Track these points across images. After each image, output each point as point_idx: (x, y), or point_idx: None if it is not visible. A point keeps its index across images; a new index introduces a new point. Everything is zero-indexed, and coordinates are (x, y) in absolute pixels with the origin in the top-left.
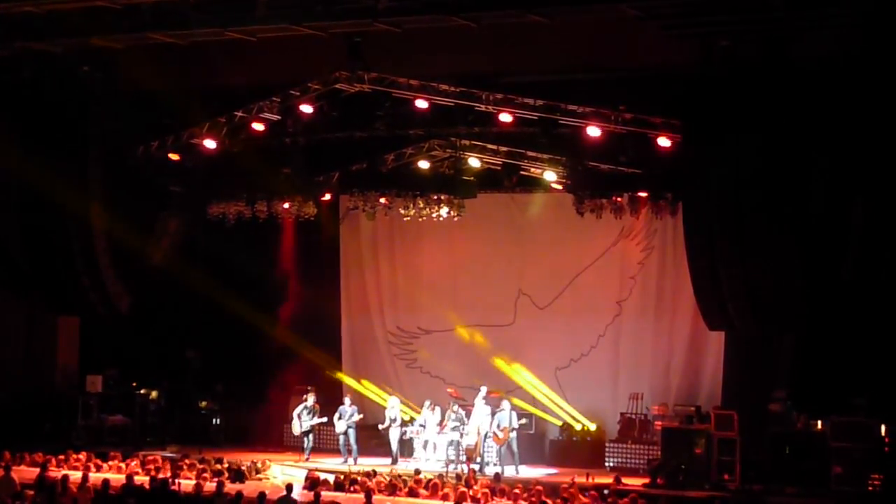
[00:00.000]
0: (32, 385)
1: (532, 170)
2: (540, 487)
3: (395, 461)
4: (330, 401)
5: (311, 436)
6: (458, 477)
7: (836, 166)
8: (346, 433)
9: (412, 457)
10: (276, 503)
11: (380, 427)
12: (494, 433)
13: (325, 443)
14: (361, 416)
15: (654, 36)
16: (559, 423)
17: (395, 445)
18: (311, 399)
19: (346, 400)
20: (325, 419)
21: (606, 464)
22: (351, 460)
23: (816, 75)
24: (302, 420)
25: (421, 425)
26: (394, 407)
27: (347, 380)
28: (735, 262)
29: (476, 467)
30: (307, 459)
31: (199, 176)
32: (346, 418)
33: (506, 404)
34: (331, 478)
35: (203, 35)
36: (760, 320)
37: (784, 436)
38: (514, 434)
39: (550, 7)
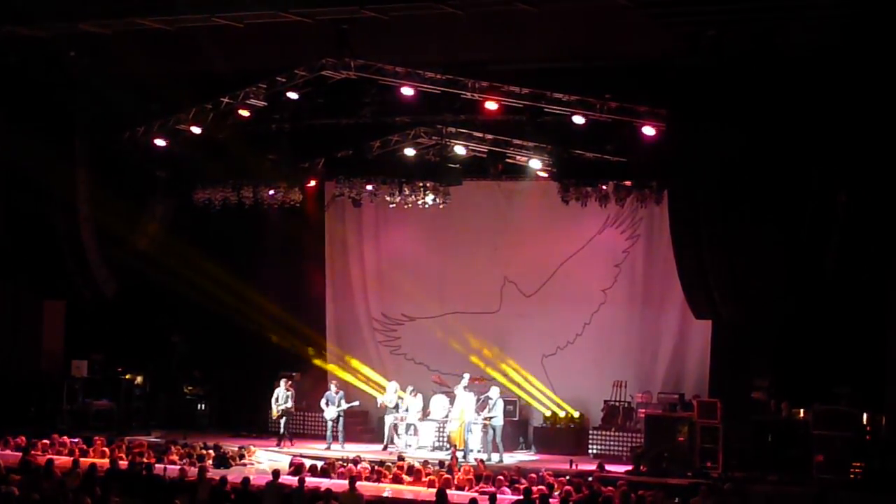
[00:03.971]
0: (17, 369)
1: (518, 157)
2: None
3: (386, 447)
4: (316, 386)
5: (283, 421)
6: (442, 463)
7: (821, 157)
8: (336, 420)
9: (392, 443)
10: (263, 489)
11: (380, 403)
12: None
13: (310, 428)
14: (357, 403)
15: (641, 25)
16: (545, 411)
17: (388, 430)
18: (282, 384)
19: (332, 386)
20: (300, 403)
21: (590, 451)
22: (337, 446)
23: (803, 65)
24: (278, 405)
25: (405, 410)
26: (392, 392)
27: (332, 367)
28: (720, 250)
29: (460, 455)
30: (279, 445)
31: (186, 162)
32: (334, 404)
33: (494, 391)
34: (317, 464)
35: (190, 21)
36: (745, 309)
37: (767, 424)
38: (497, 422)
39: None
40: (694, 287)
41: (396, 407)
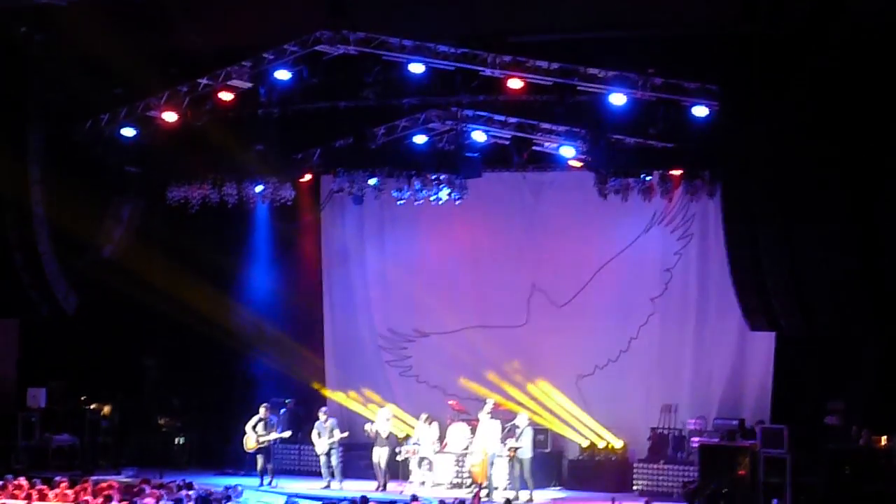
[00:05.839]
0: None
1: (546, 144)
2: None
3: (382, 486)
4: (313, 415)
5: (265, 454)
6: (462, 503)
7: None
8: (328, 454)
9: (408, 480)
10: None
11: (367, 431)
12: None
13: (306, 464)
14: (346, 434)
15: None
16: (582, 440)
17: (382, 466)
18: (262, 412)
19: (321, 415)
20: (287, 433)
21: (635, 487)
22: (335, 483)
23: (876, 33)
24: (257, 433)
25: (416, 443)
26: (384, 420)
27: (331, 393)
28: (780, 251)
29: (483, 493)
30: (262, 484)
31: (158, 154)
32: (325, 436)
33: (522, 419)
34: None
35: None
36: (809, 319)
37: (843, 454)
38: (525, 454)
39: None
40: (750, 294)
41: (389, 438)
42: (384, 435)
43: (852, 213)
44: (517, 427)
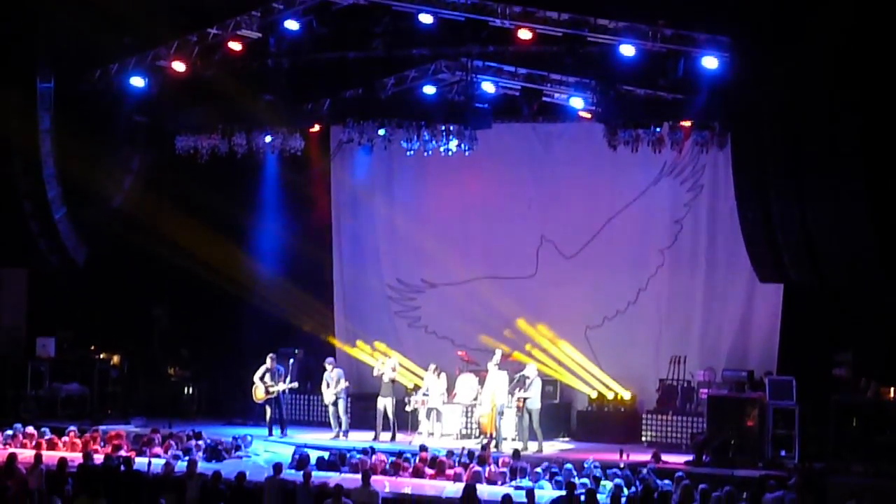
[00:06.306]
0: None
1: (556, 95)
2: None
3: (386, 436)
4: (322, 365)
5: (273, 404)
6: (471, 454)
7: None
8: (335, 404)
9: (417, 431)
10: (263, 485)
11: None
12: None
13: (316, 415)
14: (346, 383)
15: None
16: (590, 392)
17: (388, 416)
18: (269, 362)
19: (327, 365)
20: (295, 384)
21: (643, 438)
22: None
23: None
24: (266, 384)
25: (424, 394)
26: (389, 369)
27: (340, 344)
28: (791, 202)
29: (492, 444)
30: (271, 434)
31: (167, 104)
32: (332, 386)
33: (531, 370)
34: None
35: None
36: (820, 271)
37: (850, 405)
38: (534, 405)
39: None
40: (760, 245)
41: (394, 387)
42: (387, 382)
43: (864, 163)
44: (527, 378)
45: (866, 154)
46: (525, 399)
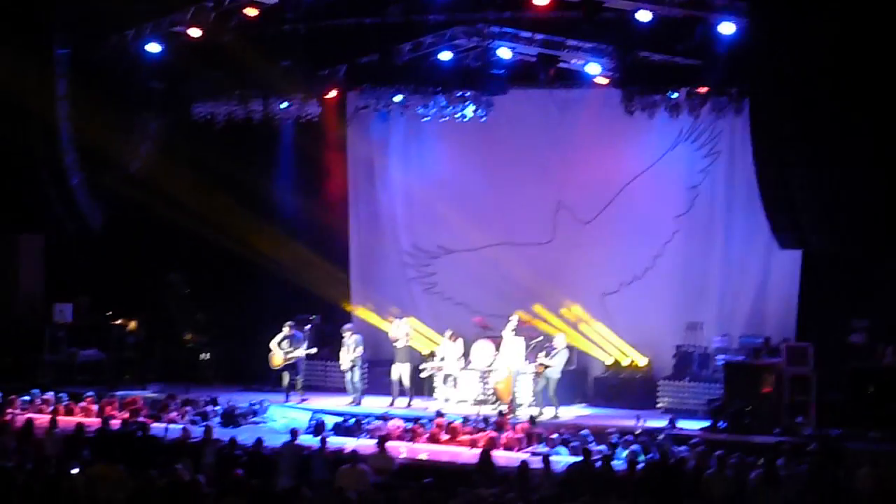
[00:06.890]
0: None
1: (573, 61)
2: None
3: (392, 402)
4: (338, 331)
5: (291, 371)
6: (487, 420)
7: None
8: (351, 370)
9: (433, 396)
10: (279, 451)
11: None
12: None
13: (333, 381)
14: (361, 349)
15: None
16: (607, 358)
17: (404, 383)
18: (286, 329)
19: (344, 332)
20: (313, 350)
21: (659, 404)
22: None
23: None
24: (283, 350)
25: (441, 360)
26: (403, 333)
27: (356, 310)
28: (809, 168)
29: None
30: (287, 400)
31: (183, 71)
32: (350, 352)
33: (560, 340)
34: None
35: None
36: (837, 237)
37: (867, 372)
38: (554, 374)
39: None
40: (778, 211)
41: (409, 353)
42: (402, 348)
43: (883, 130)
44: (553, 348)
45: (885, 118)
46: (546, 367)
